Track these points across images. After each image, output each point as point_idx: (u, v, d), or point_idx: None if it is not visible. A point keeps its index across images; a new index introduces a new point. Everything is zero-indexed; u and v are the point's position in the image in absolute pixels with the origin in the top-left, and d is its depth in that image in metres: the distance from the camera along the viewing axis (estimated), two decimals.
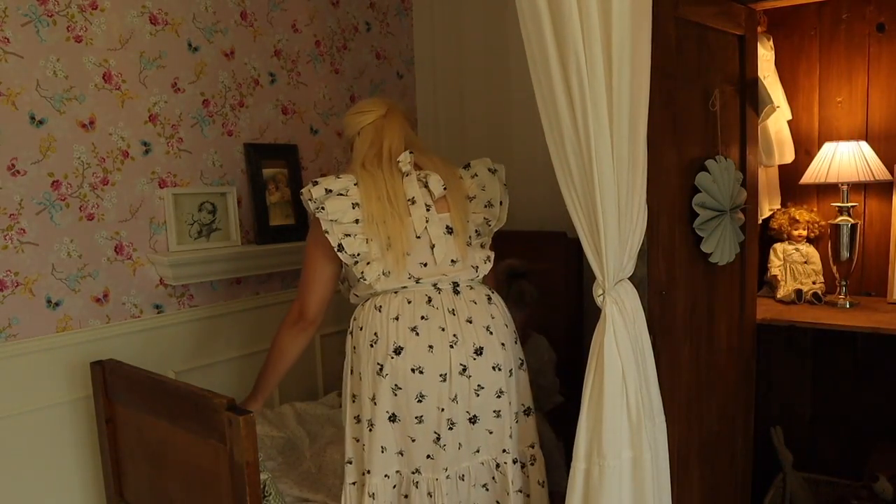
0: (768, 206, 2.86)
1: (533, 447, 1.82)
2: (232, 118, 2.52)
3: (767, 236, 2.93)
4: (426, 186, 1.75)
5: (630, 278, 1.63)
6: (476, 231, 1.81)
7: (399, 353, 1.65)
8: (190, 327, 2.41)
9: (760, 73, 2.47)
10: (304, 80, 2.78)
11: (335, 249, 1.69)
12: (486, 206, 1.83)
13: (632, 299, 1.61)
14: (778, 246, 2.91)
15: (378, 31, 3.10)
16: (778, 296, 2.84)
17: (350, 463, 1.75)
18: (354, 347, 1.75)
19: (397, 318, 1.68)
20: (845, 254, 2.66)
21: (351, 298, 1.82)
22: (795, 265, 2.88)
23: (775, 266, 2.90)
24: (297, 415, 2.53)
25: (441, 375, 1.65)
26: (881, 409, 2.72)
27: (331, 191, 1.70)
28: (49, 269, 2.07)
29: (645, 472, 1.55)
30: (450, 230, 1.75)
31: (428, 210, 1.74)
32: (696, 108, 2.07)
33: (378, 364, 1.67)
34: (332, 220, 1.69)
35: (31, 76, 2.00)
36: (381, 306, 1.70)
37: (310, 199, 1.71)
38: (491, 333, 1.72)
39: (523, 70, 1.55)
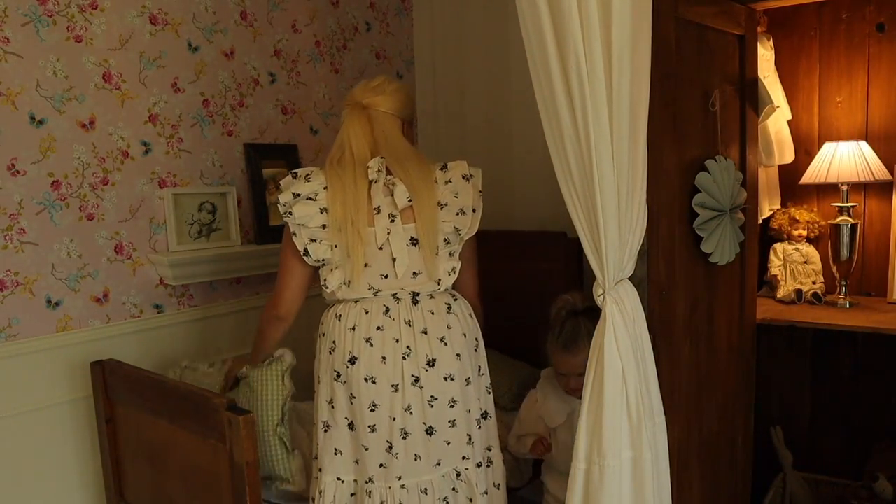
0: (768, 206, 2.86)
1: (490, 450, 1.85)
2: (232, 118, 2.52)
3: (767, 236, 2.93)
4: (391, 195, 1.71)
5: (630, 278, 1.63)
6: (445, 240, 1.76)
7: (353, 363, 1.69)
8: (190, 327, 2.41)
9: (760, 73, 2.47)
10: (304, 80, 2.78)
11: (301, 250, 1.71)
12: (457, 214, 1.77)
13: (632, 299, 1.61)
14: (778, 246, 2.91)
15: (378, 31, 3.10)
16: (778, 296, 2.84)
17: (316, 458, 1.79)
18: (318, 351, 1.80)
19: (354, 329, 1.71)
20: (845, 254, 2.66)
21: (326, 297, 1.82)
22: (795, 265, 2.88)
23: (775, 266, 2.90)
24: (297, 415, 2.53)
25: (393, 386, 1.68)
26: (881, 409, 2.72)
27: (299, 195, 1.70)
28: (49, 269, 2.07)
29: (645, 472, 1.55)
30: (414, 241, 1.73)
31: (392, 221, 1.71)
32: (696, 108, 2.07)
33: (335, 371, 1.72)
34: (299, 225, 1.70)
35: (31, 76, 2.00)
36: (340, 315, 1.74)
37: (278, 203, 1.72)
38: (445, 345, 1.72)
39: (523, 70, 1.55)
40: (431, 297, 1.75)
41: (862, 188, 2.78)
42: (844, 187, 2.65)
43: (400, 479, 1.70)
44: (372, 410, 1.68)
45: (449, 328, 1.74)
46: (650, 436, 1.58)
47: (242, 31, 2.55)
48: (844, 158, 2.62)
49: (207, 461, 1.70)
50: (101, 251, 2.18)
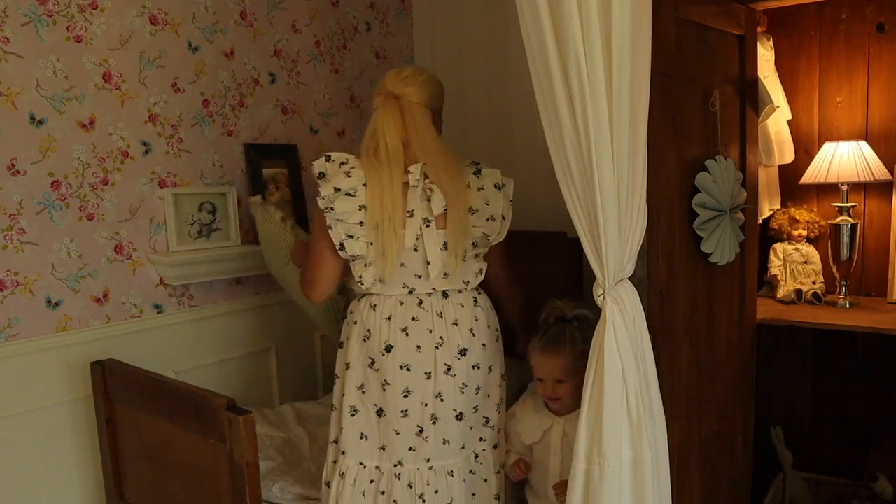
0: (768, 206, 2.86)
1: (500, 432, 1.96)
2: (232, 118, 2.52)
3: (767, 236, 2.93)
4: (428, 200, 1.75)
5: (630, 278, 1.63)
6: (473, 244, 1.83)
7: (389, 351, 1.75)
8: (190, 327, 2.41)
9: (760, 73, 2.47)
10: (304, 80, 2.78)
11: (337, 248, 1.74)
12: (487, 220, 1.84)
13: (632, 299, 1.61)
14: (778, 246, 2.91)
15: (378, 31, 3.10)
16: (778, 296, 2.84)
17: (335, 443, 1.83)
18: (348, 338, 1.83)
19: (389, 318, 1.77)
20: (845, 254, 2.66)
21: (353, 286, 1.86)
22: (795, 265, 2.88)
23: (775, 266, 2.90)
24: (297, 415, 2.53)
25: (426, 374, 1.76)
26: (881, 409, 2.72)
27: (340, 189, 1.72)
28: (49, 269, 2.07)
29: (645, 472, 1.55)
30: (446, 246, 1.78)
31: (427, 225, 1.76)
32: (696, 108, 2.07)
33: (370, 358, 1.78)
34: (337, 220, 1.72)
35: (31, 76, 2.00)
36: (375, 305, 1.79)
37: (319, 196, 1.73)
38: (473, 335, 1.82)
39: (523, 70, 1.55)
40: (459, 291, 1.85)
41: (862, 188, 2.78)
42: (844, 187, 2.65)
43: (429, 461, 1.79)
44: (405, 396, 1.75)
45: (476, 320, 1.84)
46: (650, 436, 1.58)
47: (242, 31, 2.55)
48: (844, 158, 2.62)
49: (207, 461, 1.70)
50: (101, 251, 2.18)
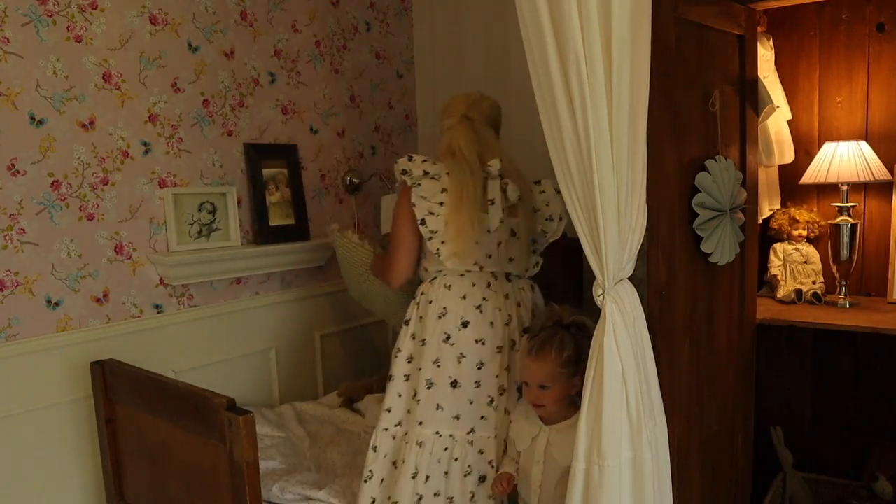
0: (768, 206, 2.86)
1: None
2: (232, 118, 2.52)
3: (767, 236, 2.93)
4: (504, 192, 1.98)
5: (630, 278, 1.63)
6: (533, 239, 2.07)
7: (466, 326, 1.92)
8: (190, 327, 2.41)
9: (760, 73, 2.47)
10: (304, 80, 2.78)
11: (418, 222, 1.95)
12: (546, 220, 2.10)
13: (632, 299, 1.61)
14: (778, 246, 2.91)
15: (378, 31, 3.10)
16: (778, 296, 2.84)
17: (389, 412, 1.95)
18: (421, 317, 1.97)
19: (465, 297, 1.95)
20: (845, 254, 2.66)
21: (420, 273, 2.07)
22: (795, 265, 2.88)
23: (775, 266, 2.90)
24: (297, 415, 2.53)
25: (497, 348, 1.94)
26: (881, 409, 2.72)
27: (427, 173, 1.98)
28: (49, 269, 2.07)
29: (645, 472, 1.55)
30: (514, 234, 2.01)
31: (503, 212, 1.99)
32: (696, 108, 2.07)
33: (445, 333, 1.93)
34: (422, 197, 1.96)
35: (31, 76, 2.00)
36: (450, 285, 1.96)
37: (406, 174, 1.98)
38: (533, 316, 2.03)
39: (523, 70, 1.56)
40: (519, 277, 2.07)
41: (862, 188, 2.78)
42: (844, 187, 2.65)
43: (495, 429, 1.93)
44: (479, 368, 1.92)
45: (535, 304, 2.07)
46: (650, 436, 1.58)
47: (242, 31, 2.55)
48: (844, 158, 2.62)
49: (207, 461, 1.70)
50: (101, 251, 2.18)
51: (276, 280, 2.69)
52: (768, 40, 2.78)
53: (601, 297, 1.57)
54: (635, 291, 1.64)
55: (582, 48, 1.41)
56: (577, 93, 1.43)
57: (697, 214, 2.04)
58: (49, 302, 2.07)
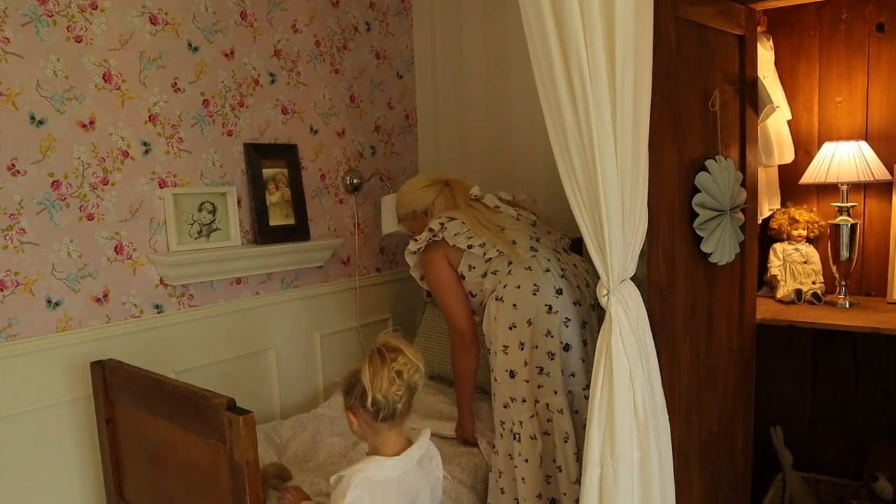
0: (768, 206, 2.86)
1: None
2: (232, 118, 2.52)
3: (767, 236, 2.93)
4: (499, 197, 2.33)
5: (630, 278, 1.63)
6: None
7: (551, 311, 2.02)
8: (190, 327, 2.41)
9: (760, 73, 2.47)
10: (304, 80, 2.78)
11: (465, 248, 2.10)
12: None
13: (635, 299, 1.61)
14: (778, 246, 2.91)
15: (378, 31, 3.10)
16: (778, 296, 2.84)
17: (522, 401, 2.02)
18: (496, 318, 2.07)
19: (519, 287, 2.04)
20: (845, 254, 2.66)
21: (476, 309, 2.20)
22: (795, 265, 2.88)
23: (775, 266, 2.90)
24: (298, 418, 2.53)
25: (582, 322, 2.08)
26: (881, 409, 2.72)
27: (443, 224, 2.15)
28: (49, 269, 2.07)
29: (652, 472, 1.55)
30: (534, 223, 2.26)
31: (517, 214, 2.26)
32: (696, 108, 2.07)
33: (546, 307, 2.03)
34: (455, 234, 2.12)
35: (31, 76, 2.00)
36: (519, 285, 2.04)
37: (431, 233, 2.15)
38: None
39: (523, 70, 1.56)
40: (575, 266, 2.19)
41: (862, 188, 2.78)
42: (844, 187, 2.65)
43: (577, 412, 2.01)
44: (566, 351, 2.02)
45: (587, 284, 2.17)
46: (655, 435, 1.58)
47: (242, 31, 2.55)
48: (844, 158, 2.62)
49: (207, 461, 1.70)
50: (101, 251, 2.18)
51: (276, 280, 2.69)
52: (768, 40, 2.78)
53: (605, 297, 1.57)
54: (638, 291, 1.64)
55: (584, 48, 1.41)
56: (579, 92, 1.44)
57: (697, 214, 2.04)
58: (49, 302, 2.07)
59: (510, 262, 2.08)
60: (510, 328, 2.03)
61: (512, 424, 2.04)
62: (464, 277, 2.16)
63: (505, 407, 2.06)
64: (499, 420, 2.09)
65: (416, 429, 1.67)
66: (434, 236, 2.16)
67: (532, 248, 2.12)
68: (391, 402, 1.52)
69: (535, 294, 2.02)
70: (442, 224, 2.16)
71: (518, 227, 2.18)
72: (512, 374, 2.02)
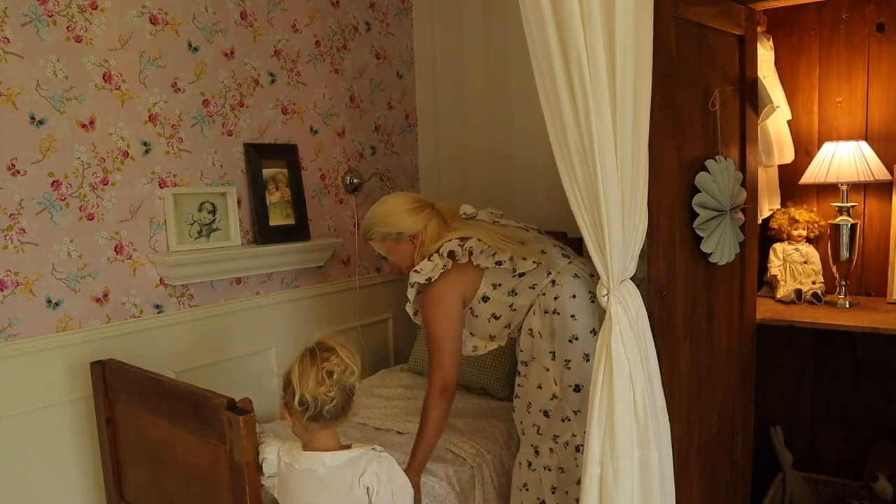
0: (768, 206, 2.86)
1: None
2: (232, 118, 2.52)
3: (767, 236, 2.93)
4: (492, 214, 2.19)
5: (630, 278, 1.63)
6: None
7: (574, 318, 1.93)
8: (190, 327, 2.41)
9: (760, 73, 2.47)
10: (304, 80, 2.78)
11: (493, 266, 1.94)
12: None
13: (635, 299, 1.61)
14: (778, 246, 2.91)
15: (378, 31, 3.10)
16: (778, 296, 2.84)
17: (566, 420, 1.93)
18: (548, 324, 1.97)
19: (575, 296, 1.94)
20: (845, 254, 2.66)
21: (498, 332, 2.04)
22: (795, 265, 2.88)
23: (775, 266, 2.90)
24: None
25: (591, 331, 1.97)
26: (881, 409, 2.72)
27: (462, 245, 1.98)
28: (49, 269, 2.07)
29: (652, 472, 1.55)
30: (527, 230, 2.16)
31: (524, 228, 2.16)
32: (696, 108, 2.07)
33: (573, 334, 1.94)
34: (480, 253, 1.96)
35: (31, 76, 2.00)
36: (574, 294, 1.94)
37: (444, 260, 1.94)
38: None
39: (523, 70, 1.56)
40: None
41: (862, 188, 2.78)
42: (844, 187, 2.65)
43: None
44: (586, 361, 1.92)
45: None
46: (655, 435, 1.58)
47: (242, 31, 2.55)
48: (844, 158, 2.62)
49: (207, 461, 1.70)
50: (101, 251, 2.18)
51: (276, 280, 2.69)
52: (768, 40, 2.78)
53: (606, 297, 1.57)
54: (638, 291, 1.64)
55: (584, 48, 1.41)
56: (580, 92, 1.44)
57: (697, 214, 2.04)
58: (49, 302, 2.07)
59: (549, 273, 1.96)
60: (570, 341, 1.91)
61: (572, 436, 1.93)
62: (486, 299, 1.98)
63: (563, 421, 1.94)
64: (551, 435, 1.96)
65: (366, 445, 1.57)
66: (448, 263, 1.94)
67: (564, 255, 2.04)
68: (319, 403, 1.50)
69: (592, 301, 1.93)
70: (461, 245, 1.97)
71: (538, 238, 2.10)
72: (577, 389, 1.91)
